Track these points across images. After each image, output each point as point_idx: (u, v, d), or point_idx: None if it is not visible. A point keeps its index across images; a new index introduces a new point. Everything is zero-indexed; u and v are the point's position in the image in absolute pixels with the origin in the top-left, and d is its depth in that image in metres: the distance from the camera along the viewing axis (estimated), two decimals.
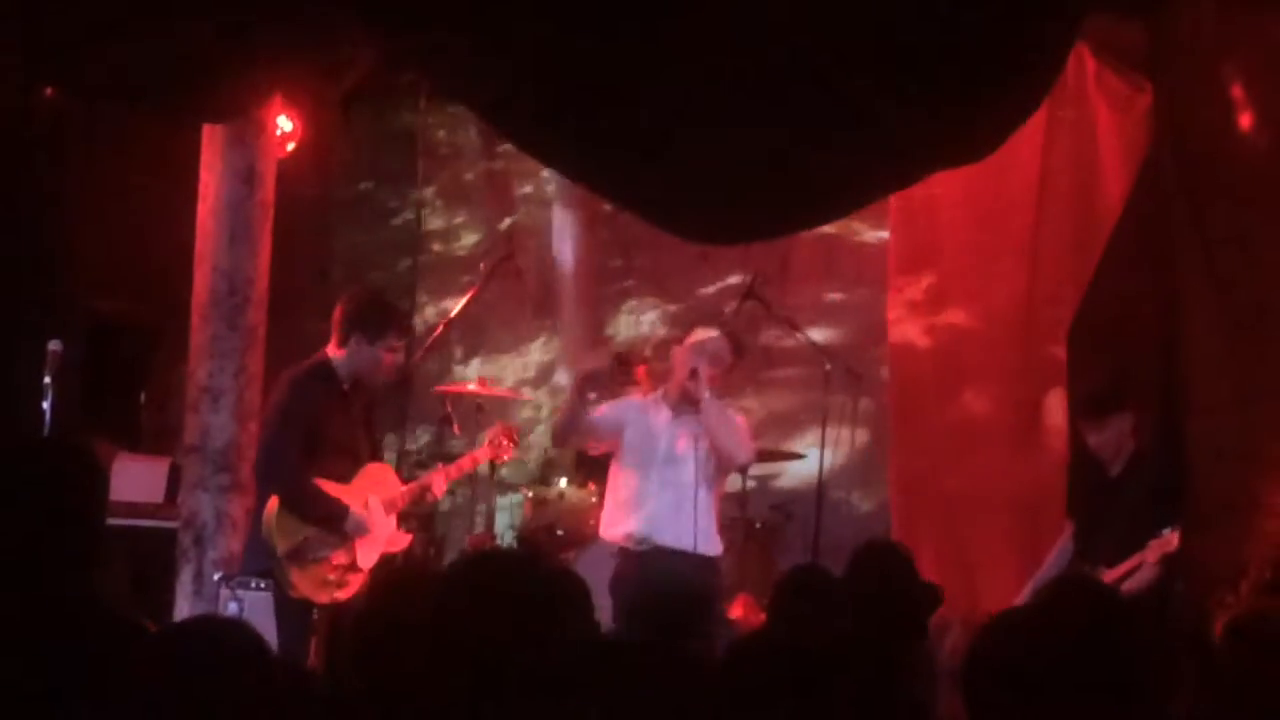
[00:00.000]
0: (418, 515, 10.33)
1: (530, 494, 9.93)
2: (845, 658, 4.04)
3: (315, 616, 7.39)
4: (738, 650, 4.00)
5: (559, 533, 9.40)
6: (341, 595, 7.42)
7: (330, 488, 7.48)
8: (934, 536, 9.46)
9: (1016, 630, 3.68)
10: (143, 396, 10.66)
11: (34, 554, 3.93)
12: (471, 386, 9.76)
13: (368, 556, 7.51)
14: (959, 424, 9.71)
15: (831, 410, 9.47)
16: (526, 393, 11.47)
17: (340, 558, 7.44)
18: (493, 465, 9.14)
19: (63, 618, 3.86)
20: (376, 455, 7.91)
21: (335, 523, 7.45)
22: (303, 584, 7.40)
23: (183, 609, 7.98)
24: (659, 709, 3.66)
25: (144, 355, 10.68)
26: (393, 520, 7.69)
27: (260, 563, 7.43)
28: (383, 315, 7.67)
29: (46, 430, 8.03)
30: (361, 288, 8.05)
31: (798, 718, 3.81)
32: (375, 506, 7.59)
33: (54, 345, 8.15)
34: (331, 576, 7.39)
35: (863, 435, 10.47)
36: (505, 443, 8.43)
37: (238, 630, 3.53)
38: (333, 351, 7.61)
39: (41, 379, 8.09)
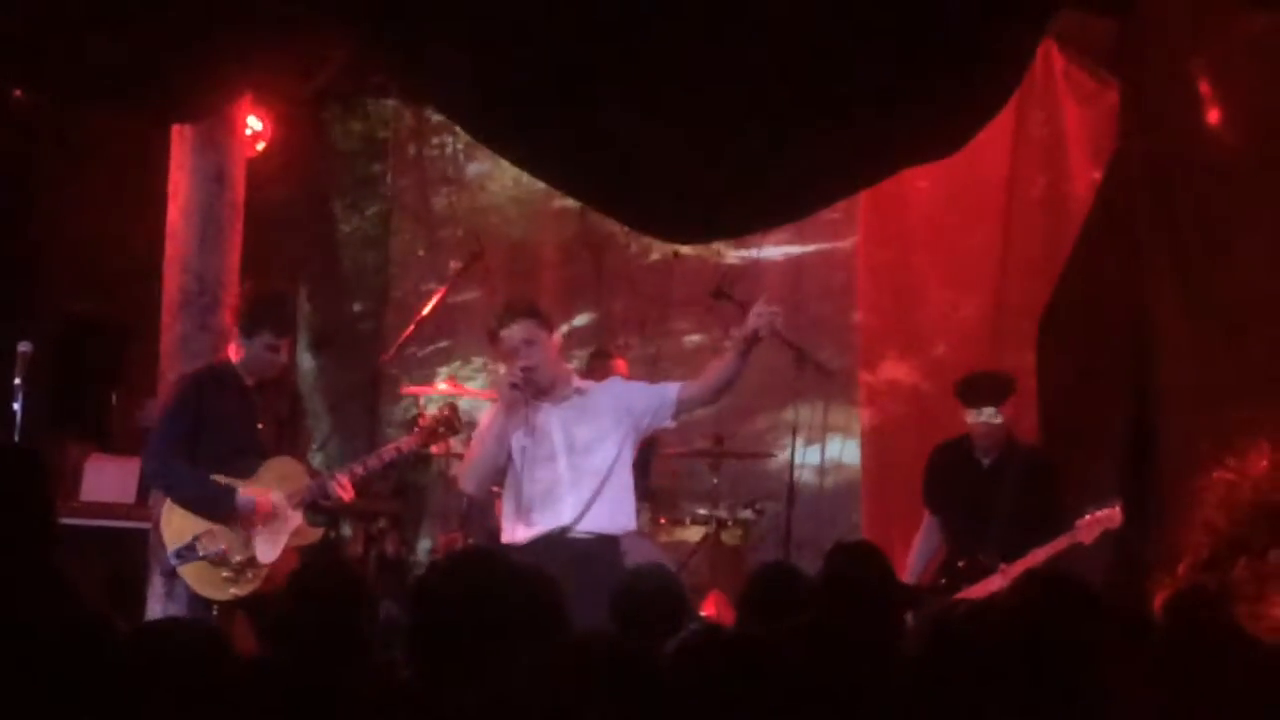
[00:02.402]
0: (388, 513, 10.34)
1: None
2: (817, 655, 4.06)
3: (215, 611, 7.42)
4: (707, 647, 4.01)
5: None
6: (239, 591, 7.44)
7: (225, 482, 7.51)
8: (907, 535, 9.47)
9: (975, 624, 3.70)
10: (114, 397, 10.64)
11: None
12: (442, 386, 9.73)
13: (267, 551, 7.49)
14: (932, 421, 9.74)
15: (803, 407, 9.47)
16: None
17: (235, 555, 7.46)
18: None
19: (13, 615, 3.85)
20: (290, 450, 7.80)
21: (222, 505, 7.45)
22: (195, 582, 7.46)
23: (154, 609, 7.96)
24: (628, 707, 3.67)
25: (115, 356, 10.66)
26: (298, 515, 7.61)
27: (164, 562, 7.57)
28: (257, 311, 7.62)
29: (17, 432, 8.00)
30: (249, 285, 7.94)
31: (774, 715, 3.82)
32: (279, 501, 7.56)
33: (24, 346, 8.11)
34: (226, 574, 7.42)
35: (834, 431, 10.48)
36: (442, 430, 7.96)
37: (204, 632, 3.54)
38: (230, 349, 7.68)
39: (12, 380, 8.06)
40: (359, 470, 7.77)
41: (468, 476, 7.75)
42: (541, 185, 10.31)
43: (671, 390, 7.66)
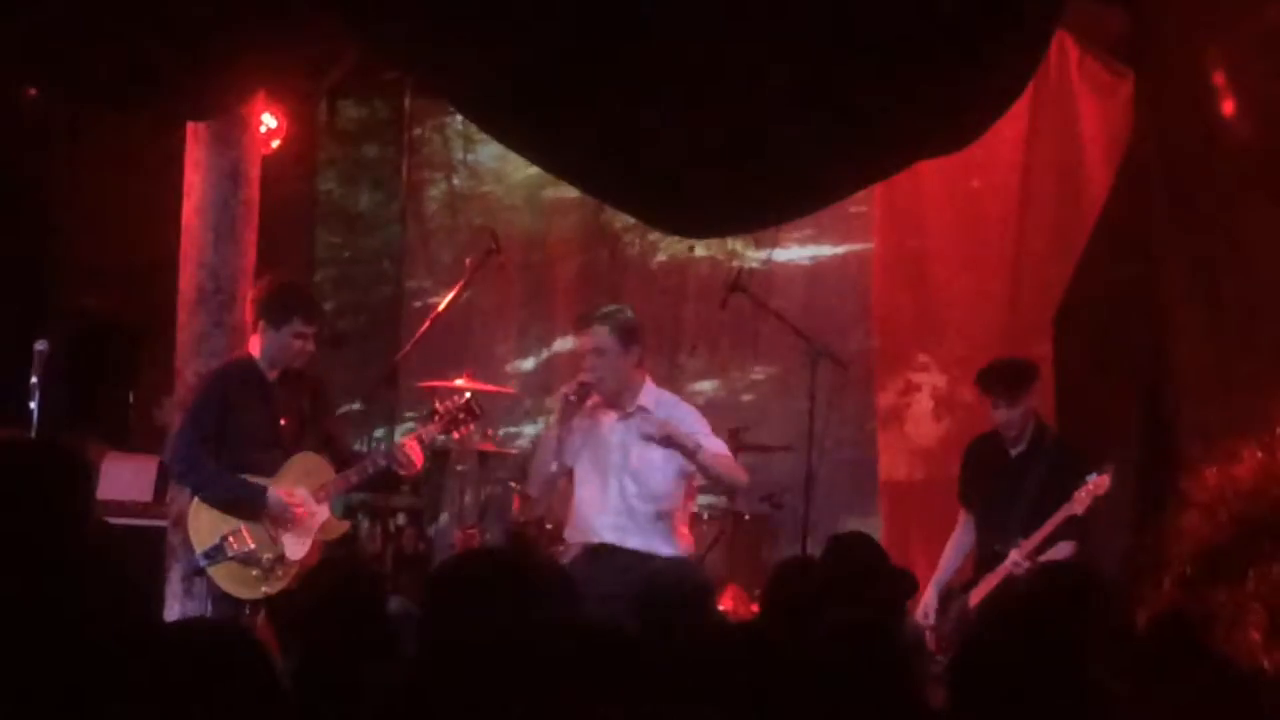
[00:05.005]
0: (407, 509, 10.34)
1: (519, 488, 9.89)
2: (830, 646, 4.06)
3: (247, 611, 7.47)
4: (729, 640, 4.02)
5: (548, 526, 9.38)
6: (269, 590, 7.47)
7: (252, 479, 7.54)
8: (924, 535, 9.47)
9: (997, 618, 3.70)
10: (130, 395, 10.66)
11: (20, 554, 3.93)
12: (459, 381, 9.72)
13: (296, 548, 7.52)
14: (947, 420, 9.74)
15: (818, 400, 9.44)
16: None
17: (264, 553, 7.48)
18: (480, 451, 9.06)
19: (48, 618, 3.86)
20: (317, 445, 7.79)
21: (254, 505, 7.49)
22: (224, 582, 7.50)
23: (172, 607, 7.98)
24: (646, 699, 3.68)
25: (131, 353, 10.68)
26: (324, 509, 7.65)
27: (192, 562, 7.58)
28: (284, 301, 7.67)
29: (34, 430, 8.02)
30: (267, 277, 7.95)
31: (782, 707, 3.82)
32: (304, 496, 7.59)
33: (41, 345, 8.13)
34: (255, 573, 7.45)
35: (850, 425, 10.46)
36: (462, 416, 7.94)
37: (235, 635, 3.55)
38: (251, 344, 7.68)
39: (29, 379, 8.08)
40: (422, 437, 7.83)
41: (529, 479, 7.94)
42: (556, 179, 10.32)
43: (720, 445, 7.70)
